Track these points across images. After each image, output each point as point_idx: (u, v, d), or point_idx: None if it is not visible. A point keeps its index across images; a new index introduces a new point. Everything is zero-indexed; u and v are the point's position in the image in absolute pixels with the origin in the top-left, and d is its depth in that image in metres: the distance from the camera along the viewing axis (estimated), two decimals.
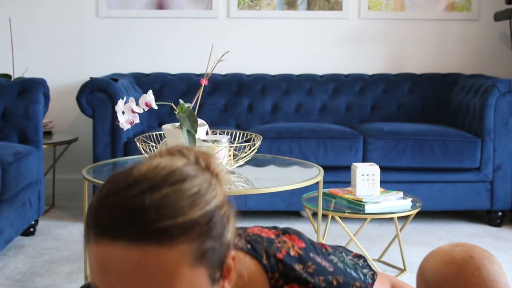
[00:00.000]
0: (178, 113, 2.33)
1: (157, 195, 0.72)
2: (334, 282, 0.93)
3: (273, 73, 4.19)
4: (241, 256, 0.92)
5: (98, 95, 3.49)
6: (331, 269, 0.95)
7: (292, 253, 0.94)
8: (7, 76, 3.84)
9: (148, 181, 0.73)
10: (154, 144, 2.40)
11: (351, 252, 1.09)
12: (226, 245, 0.77)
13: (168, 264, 0.70)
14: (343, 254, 1.04)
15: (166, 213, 0.71)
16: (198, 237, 0.73)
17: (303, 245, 0.97)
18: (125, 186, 0.73)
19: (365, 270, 1.03)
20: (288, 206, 3.54)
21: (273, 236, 0.97)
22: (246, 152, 2.36)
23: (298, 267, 0.92)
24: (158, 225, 0.70)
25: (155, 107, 2.37)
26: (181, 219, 0.71)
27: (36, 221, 3.37)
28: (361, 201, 2.67)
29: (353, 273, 0.99)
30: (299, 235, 1.00)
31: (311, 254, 0.95)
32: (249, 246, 0.94)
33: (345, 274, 0.96)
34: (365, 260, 1.08)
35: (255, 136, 2.44)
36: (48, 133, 3.92)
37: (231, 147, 2.33)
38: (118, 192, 0.73)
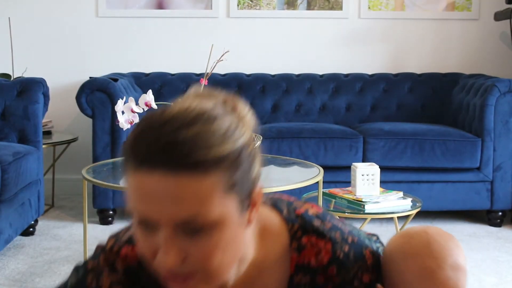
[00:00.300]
0: None
1: (190, 132, 0.79)
2: (349, 239, 0.98)
3: (273, 73, 4.19)
4: (263, 209, 0.99)
5: (97, 95, 3.48)
6: (347, 230, 1.01)
7: (310, 212, 1.01)
8: (7, 76, 3.84)
9: (181, 120, 0.80)
10: None
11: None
12: (253, 180, 0.86)
13: (201, 192, 0.78)
14: (358, 229, 1.09)
15: (199, 147, 0.79)
16: (228, 170, 0.80)
17: (321, 210, 1.04)
18: (160, 123, 0.80)
19: (378, 244, 1.07)
20: None
21: (292, 199, 1.05)
22: None
23: (316, 222, 0.98)
24: (192, 157, 0.78)
25: (155, 107, 2.37)
26: (212, 153, 0.79)
27: (36, 221, 3.36)
28: (361, 201, 2.67)
29: (367, 241, 1.03)
30: (317, 205, 1.07)
31: (329, 217, 1.02)
32: (271, 203, 1.02)
33: (359, 237, 1.02)
34: (378, 238, 1.12)
35: (255, 136, 2.43)
36: (47, 133, 3.92)
37: None
38: (153, 128, 0.80)
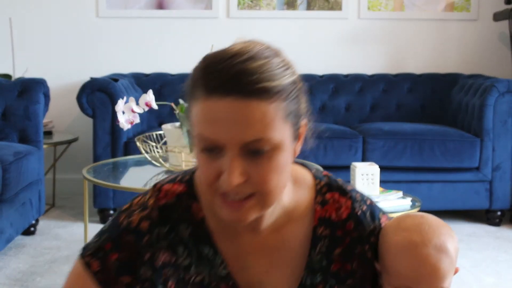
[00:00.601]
0: (178, 113, 2.34)
1: (256, 63, 0.89)
2: (368, 202, 1.09)
3: None
4: (295, 165, 1.09)
5: (98, 95, 3.49)
6: (366, 196, 1.12)
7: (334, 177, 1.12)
8: (8, 76, 3.85)
9: (246, 54, 0.90)
10: (154, 144, 2.41)
11: None
12: (302, 112, 0.96)
13: (266, 117, 0.88)
14: None
15: (265, 77, 0.88)
16: (286, 100, 0.90)
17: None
18: (227, 57, 0.90)
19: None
20: None
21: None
22: None
23: (340, 182, 1.09)
24: (260, 85, 0.87)
25: (155, 107, 2.38)
26: (275, 83, 0.89)
27: (37, 221, 3.37)
28: None
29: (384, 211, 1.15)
30: None
31: (350, 184, 1.14)
32: (301, 162, 1.12)
33: (376, 205, 1.12)
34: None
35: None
36: (48, 133, 3.92)
37: None
38: (223, 60, 0.89)
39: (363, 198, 1.09)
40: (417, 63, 4.33)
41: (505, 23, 4.21)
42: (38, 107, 3.29)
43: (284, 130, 0.91)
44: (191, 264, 1.02)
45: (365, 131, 3.61)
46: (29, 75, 3.89)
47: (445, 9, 4.32)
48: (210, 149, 0.90)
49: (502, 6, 4.18)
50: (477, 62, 4.35)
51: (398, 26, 4.32)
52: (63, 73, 4.24)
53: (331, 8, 4.29)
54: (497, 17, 4.15)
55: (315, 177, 1.09)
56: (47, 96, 3.36)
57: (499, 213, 3.60)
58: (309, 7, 4.28)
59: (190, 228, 1.02)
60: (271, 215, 1.02)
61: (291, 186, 1.05)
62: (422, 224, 1.05)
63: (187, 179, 1.06)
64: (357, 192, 1.09)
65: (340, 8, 4.28)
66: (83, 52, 4.26)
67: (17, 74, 3.99)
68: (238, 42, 0.96)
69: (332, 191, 1.07)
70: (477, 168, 3.55)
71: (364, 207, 1.07)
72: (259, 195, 0.91)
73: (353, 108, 4.11)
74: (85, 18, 4.25)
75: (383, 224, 1.08)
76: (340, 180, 1.10)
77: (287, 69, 0.93)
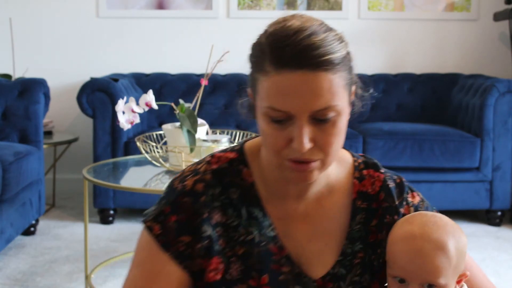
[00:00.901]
0: (178, 113, 2.34)
1: (318, 38, 0.96)
2: (398, 180, 1.17)
3: None
4: None
5: (98, 95, 3.49)
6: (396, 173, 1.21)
7: None
8: (8, 76, 3.85)
9: (308, 29, 0.97)
10: (154, 144, 2.41)
11: None
12: (354, 80, 1.04)
13: (333, 86, 0.96)
14: None
15: (329, 49, 0.96)
16: (346, 69, 0.99)
17: None
18: (292, 33, 0.96)
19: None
20: None
21: None
22: None
23: (375, 160, 1.19)
24: (325, 57, 0.95)
25: (155, 107, 2.38)
26: (338, 54, 0.97)
27: (37, 221, 3.37)
28: None
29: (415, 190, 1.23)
30: None
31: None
32: None
33: (405, 182, 1.19)
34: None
35: (255, 136, 2.44)
36: (48, 133, 3.93)
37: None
38: (288, 37, 0.96)
39: (393, 177, 1.18)
40: (417, 63, 4.33)
41: (505, 23, 4.21)
42: (38, 107, 3.29)
43: (344, 97, 1.00)
44: (239, 225, 1.08)
45: (365, 131, 3.61)
46: (29, 75, 3.89)
47: (445, 9, 4.32)
48: (279, 120, 0.98)
49: (502, 6, 4.19)
50: (477, 62, 4.35)
51: (398, 26, 4.32)
52: (63, 73, 4.24)
53: (331, 8, 4.29)
54: (497, 17, 4.15)
55: (353, 155, 1.19)
56: (47, 96, 3.36)
57: (499, 213, 3.60)
58: (309, 7, 4.28)
59: (239, 191, 1.09)
60: (316, 183, 1.11)
61: (333, 163, 1.12)
62: (428, 221, 1.07)
63: (238, 148, 1.15)
64: (389, 171, 1.19)
65: (340, 8, 4.28)
66: (83, 52, 4.26)
67: (17, 74, 3.99)
68: (290, 17, 1.02)
69: (368, 168, 1.17)
70: (477, 168, 3.55)
71: (393, 183, 1.17)
72: (322, 159, 1.01)
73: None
74: (85, 18, 4.25)
75: (410, 199, 1.16)
76: (374, 159, 1.20)
77: (342, 41, 1.00)
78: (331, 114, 0.98)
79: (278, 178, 1.09)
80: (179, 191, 1.08)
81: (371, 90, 1.09)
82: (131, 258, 1.12)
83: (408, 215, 1.12)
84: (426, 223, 1.06)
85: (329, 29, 1.00)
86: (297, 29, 0.97)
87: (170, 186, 1.11)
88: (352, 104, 1.07)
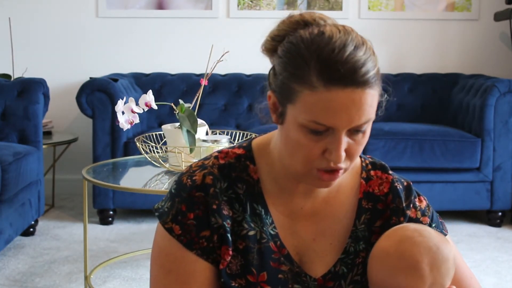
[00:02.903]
0: (178, 113, 2.33)
1: (361, 53, 0.98)
2: (405, 183, 1.18)
3: None
4: None
5: (98, 95, 3.49)
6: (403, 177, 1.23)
7: None
8: (7, 76, 3.84)
9: (351, 42, 0.99)
10: (154, 144, 2.40)
11: None
12: (381, 92, 1.06)
13: (374, 102, 1.00)
14: None
15: (370, 66, 0.98)
16: (380, 82, 1.01)
17: None
18: (338, 47, 0.97)
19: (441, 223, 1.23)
20: None
21: None
22: None
23: (382, 162, 1.21)
24: (369, 74, 0.97)
25: (155, 107, 2.37)
26: (376, 69, 1.00)
27: (36, 221, 3.37)
28: None
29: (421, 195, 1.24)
30: None
31: None
32: None
33: (412, 186, 1.20)
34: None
35: (255, 136, 2.43)
36: (48, 133, 3.92)
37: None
38: (336, 51, 0.97)
39: (401, 179, 1.20)
40: (417, 63, 4.33)
41: (506, 23, 4.21)
42: (38, 107, 3.29)
43: (376, 108, 1.03)
44: (244, 220, 1.10)
45: None
46: (28, 75, 3.88)
47: (445, 9, 4.31)
48: (317, 132, 0.99)
49: (503, 6, 4.18)
50: (477, 62, 4.34)
51: (399, 26, 4.32)
52: (63, 73, 4.24)
53: (332, 8, 4.28)
54: (498, 17, 4.14)
55: (360, 156, 1.19)
56: (46, 96, 3.36)
57: (500, 213, 3.59)
58: (309, 7, 4.27)
59: (245, 187, 1.11)
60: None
61: None
62: (406, 237, 1.07)
63: (245, 145, 1.16)
64: (396, 174, 1.21)
65: (340, 8, 4.28)
66: (83, 52, 4.25)
67: (16, 74, 3.98)
68: (318, 18, 1.04)
69: (376, 169, 1.19)
70: (478, 169, 3.54)
71: (401, 185, 1.18)
72: (349, 164, 1.04)
73: None
74: (85, 18, 4.24)
75: (417, 203, 1.17)
76: (381, 161, 1.22)
77: (373, 53, 1.03)
78: (367, 126, 1.02)
79: (289, 176, 1.10)
80: (190, 186, 1.10)
81: (385, 96, 1.09)
82: (151, 260, 1.11)
83: (391, 228, 1.12)
84: (404, 239, 1.06)
85: (363, 40, 1.03)
86: (342, 44, 0.98)
87: (179, 182, 1.12)
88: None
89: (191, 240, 1.07)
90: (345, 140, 1.00)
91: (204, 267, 1.08)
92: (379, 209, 1.15)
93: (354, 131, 1.00)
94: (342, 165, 1.02)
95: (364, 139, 1.03)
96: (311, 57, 0.98)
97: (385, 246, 1.07)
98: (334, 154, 0.99)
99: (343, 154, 1.00)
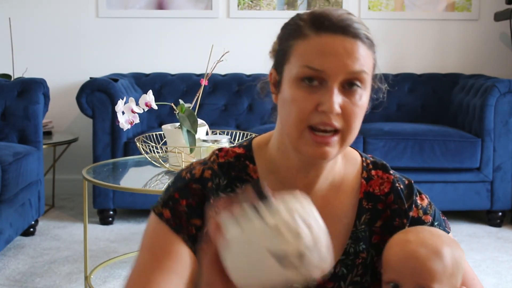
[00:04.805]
0: (178, 113, 2.33)
1: (357, 19, 1.03)
2: (406, 182, 1.18)
3: None
4: (347, 148, 1.18)
5: (98, 95, 3.48)
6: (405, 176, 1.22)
7: None
8: (7, 76, 3.84)
9: (346, 11, 1.05)
10: (154, 144, 2.40)
11: None
12: (373, 75, 1.08)
13: (368, 56, 1.03)
14: None
15: (366, 28, 1.04)
16: (374, 57, 1.05)
17: None
18: (333, 9, 1.03)
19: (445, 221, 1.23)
20: None
21: None
22: None
23: (384, 162, 1.21)
24: (364, 31, 1.02)
25: (155, 107, 2.37)
26: (372, 36, 1.05)
27: (36, 221, 3.36)
28: None
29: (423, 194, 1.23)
30: None
31: None
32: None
33: (413, 185, 1.20)
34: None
35: (255, 136, 2.43)
36: (48, 133, 3.92)
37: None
38: (331, 11, 1.02)
39: (402, 178, 1.19)
40: (417, 63, 4.33)
41: (506, 23, 4.21)
42: (38, 107, 3.29)
43: (370, 76, 1.04)
44: None
45: (365, 131, 3.60)
46: (28, 75, 3.88)
47: (446, 9, 4.31)
48: (311, 80, 1.00)
49: (503, 6, 4.18)
50: (478, 62, 4.34)
51: (399, 26, 4.31)
52: (63, 73, 4.24)
53: None
54: (498, 17, 4.14)
55: (361, 156, 1.20)
56: (46, 96, 3.36)
57: (500, 213, 3.59)
58: (309, 7, 4.27)
59: (243, 186, 1.09)
60: (325, 179, 1.12)
61: (341, 161, 1.15)
62: (424, 231, 1.08)
63: (246, 144, 1.17)
64: (397, 173, 1.20)
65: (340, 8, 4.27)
66: (83, 52, 4.25)
67: (16, 74, 3.98)
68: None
69: (377, 168, 1.19)
70: (478, 169, 3.54)
71: (403, 185, 1.17)
72: (343, 132, 1.02)
73: None
74: (85, 18, 4.24)
75: (419, 202, 1.17)
76: (383, 160, 1.22)
77: (371, 36, 1.07)
78: (361, 82, 1.01)
79: (288, 165, 1.09)
80: (188, 179, 1.10)
81: (385, 85, 1.11)
82: (139, 246, 1.10)
83: (404, 229, 1.11)
84: (421, 231, 1.07)
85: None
86: (338, 9, 1.04)
87: (178, 176, 1.12)
88: (371, 97, 1.10)
89: (180, 224, 1.06)
90: (339, 95, 0.99)
91: (184, 251, 1.05)
92: (379, 209, 1.14)
93: (348, 86, 1.00)
94: (336, 123, 1.00)
95: (360, 102, 1.02)
96: (305, 15, 1.04)
97: (404, 236, 1.07)
98: (327, 104, 0.98)
99: (337, 107, 0.99)
